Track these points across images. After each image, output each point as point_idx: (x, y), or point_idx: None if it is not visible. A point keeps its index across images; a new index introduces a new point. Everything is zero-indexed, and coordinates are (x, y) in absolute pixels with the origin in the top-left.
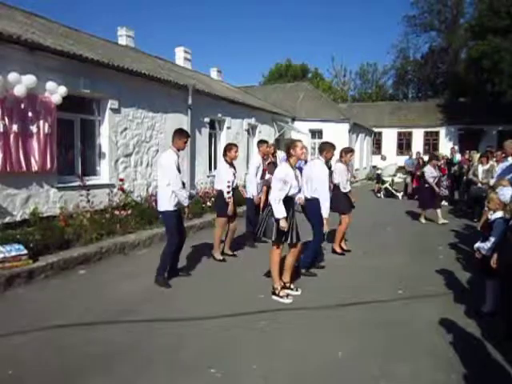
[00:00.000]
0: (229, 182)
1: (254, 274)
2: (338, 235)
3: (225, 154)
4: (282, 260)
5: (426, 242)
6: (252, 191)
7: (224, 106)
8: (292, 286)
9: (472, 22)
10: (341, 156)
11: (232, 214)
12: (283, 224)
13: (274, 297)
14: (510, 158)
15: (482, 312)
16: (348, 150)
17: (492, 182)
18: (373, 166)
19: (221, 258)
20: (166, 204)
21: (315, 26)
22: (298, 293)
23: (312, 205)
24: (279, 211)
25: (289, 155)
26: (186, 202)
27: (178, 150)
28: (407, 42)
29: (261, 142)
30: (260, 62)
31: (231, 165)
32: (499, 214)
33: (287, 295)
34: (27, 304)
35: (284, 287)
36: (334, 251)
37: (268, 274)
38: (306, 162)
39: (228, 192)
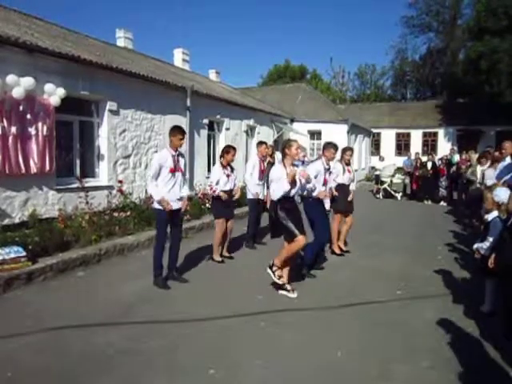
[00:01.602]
0: (212, 182)
1: (253, 275)
2: (334, 235)
3: (222, 156)
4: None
5: (424, 242)
6: (252, 192)
7: (223, 107)
8: (289, 288)
9: (470, 22)
10: (341, 156)
11: (229, 215)
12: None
13: (281, 291)
14: (507, 158)
15: (481, 312)
16: (347, 149)
17: (489, 182)
18: (371, 167)
19: (220, 259)
20: (155, 202)
21: (314, 27)
22: (294, 295)
23: (311, 204)
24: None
25: (284, 155)
26: (156, 198)
27: (176, 148)
28: (405, 43)
29: (260, 143)
30: (259, 63)
31: (226, 167)
32: (495, 213)
33: (293, 289)
34: (26, 306)
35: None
36: (332, 252)
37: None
38: (303, 162)
39: (213, 191)
